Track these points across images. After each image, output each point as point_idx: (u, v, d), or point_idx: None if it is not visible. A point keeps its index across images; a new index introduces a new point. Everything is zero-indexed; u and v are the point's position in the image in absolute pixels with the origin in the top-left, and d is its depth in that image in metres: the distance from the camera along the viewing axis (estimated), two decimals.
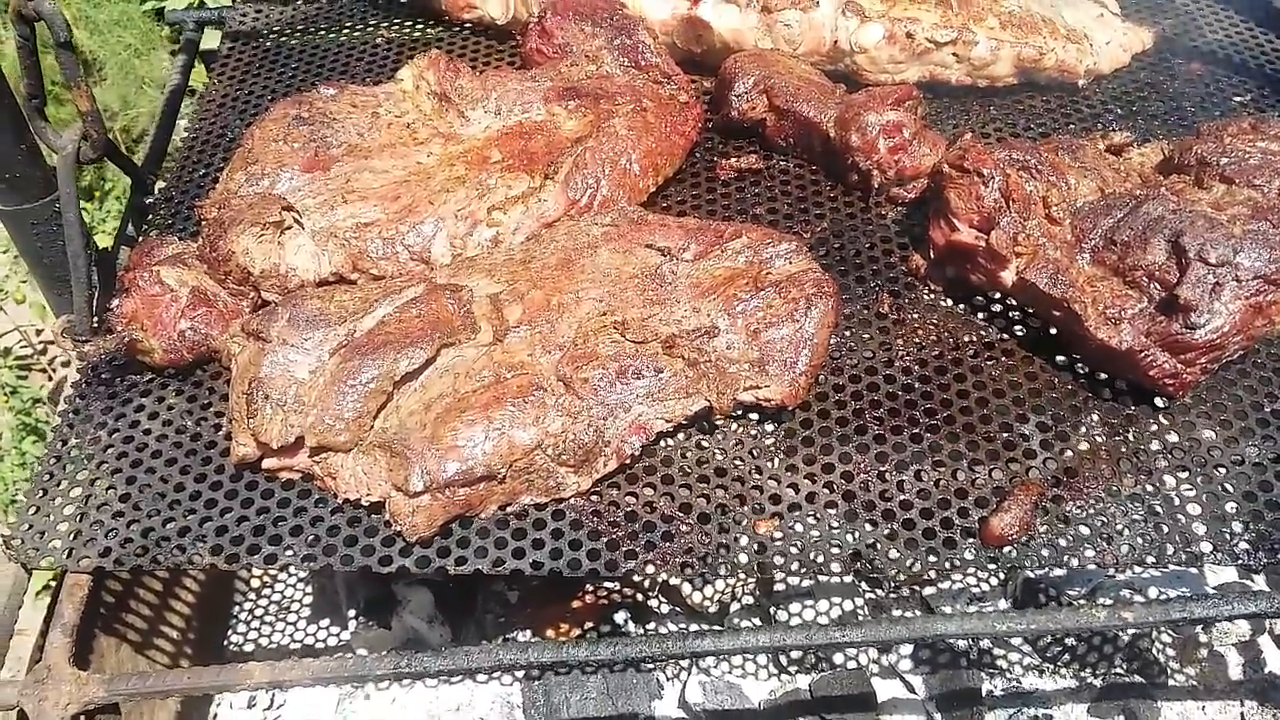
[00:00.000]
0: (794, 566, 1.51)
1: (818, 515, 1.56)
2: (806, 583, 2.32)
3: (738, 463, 1.62)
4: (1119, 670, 2.30)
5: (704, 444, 1.64)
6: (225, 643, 2.36)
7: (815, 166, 2.05)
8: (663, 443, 1.64)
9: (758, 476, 1.60)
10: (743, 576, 1.50)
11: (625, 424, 1.57)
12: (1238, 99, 2.16)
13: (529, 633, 2.34)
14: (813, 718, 2.14)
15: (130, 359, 1.73)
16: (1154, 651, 2.33)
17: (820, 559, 1.51)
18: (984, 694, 2.23)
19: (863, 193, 1.97)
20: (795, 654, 2.26)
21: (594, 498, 1.58)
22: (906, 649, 2.28)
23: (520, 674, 2.30)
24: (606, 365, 1.59)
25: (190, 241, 1.85)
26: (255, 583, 2.56)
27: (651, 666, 2.24)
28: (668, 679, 2.25)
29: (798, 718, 2.14)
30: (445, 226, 1.83)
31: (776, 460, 1.62)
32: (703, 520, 1.55)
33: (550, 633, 2.33)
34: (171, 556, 1.53)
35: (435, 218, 1.83)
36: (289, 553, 1.52)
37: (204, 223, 1.81)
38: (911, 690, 2.25)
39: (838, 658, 2.25)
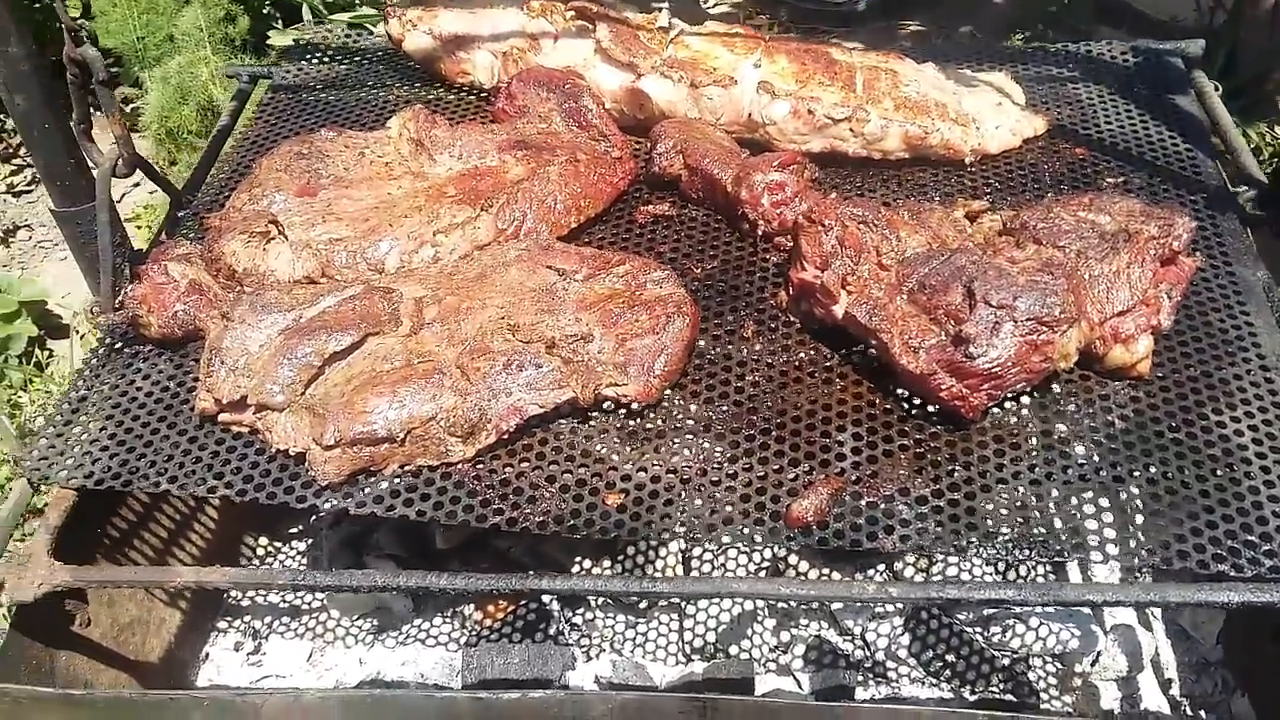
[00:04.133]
0: (634, 530, 1.82)
1: (658, 493, 1.88)
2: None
3: (600, 448, 1.95)
4: (995, 690, 2.53)
5: (576, 430, 1.98)
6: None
7: (719, 216, 2.39)
8: (543, 428, 1.98)
9: (615, 459, 1.93)
10: (589, 535, 1.81)
11: (505, 406, 1.92)
12: (1110, 180, 2.42)
13: (473, 607, 2.69)
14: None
15: (136, 333, 2.16)
16: (1031, 676, 2.55)
17: (655, 527, 1.82)
18: (863, 697, 2.49)
19: (752, 240, 2.31)
20: (699, 644, 2.56)
21: (478, 466, 1.93)
22: (799, 649, 2.55)
23: (461, 641, 2.65)
24: (496, 358, 1.95)
25: (199, 245, 2.29)
26: (260, 551, 2.96)
27: (569, 642, 2.57)
28: (582, 653, 2.56)
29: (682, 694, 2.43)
30: (399, 244, 2.22)
31: (631, 447, 1.95)
32: (563, 490, 1.89)
33: (490, 608, 2.68)
34: (139, 483, 1.93)
35: (392, 237, 2.23)
36: (227, 486, 1.91)
37: (208, 230, 2.25)
38: (799, 685, 2.52)
39: (733, 650, 2.54)
